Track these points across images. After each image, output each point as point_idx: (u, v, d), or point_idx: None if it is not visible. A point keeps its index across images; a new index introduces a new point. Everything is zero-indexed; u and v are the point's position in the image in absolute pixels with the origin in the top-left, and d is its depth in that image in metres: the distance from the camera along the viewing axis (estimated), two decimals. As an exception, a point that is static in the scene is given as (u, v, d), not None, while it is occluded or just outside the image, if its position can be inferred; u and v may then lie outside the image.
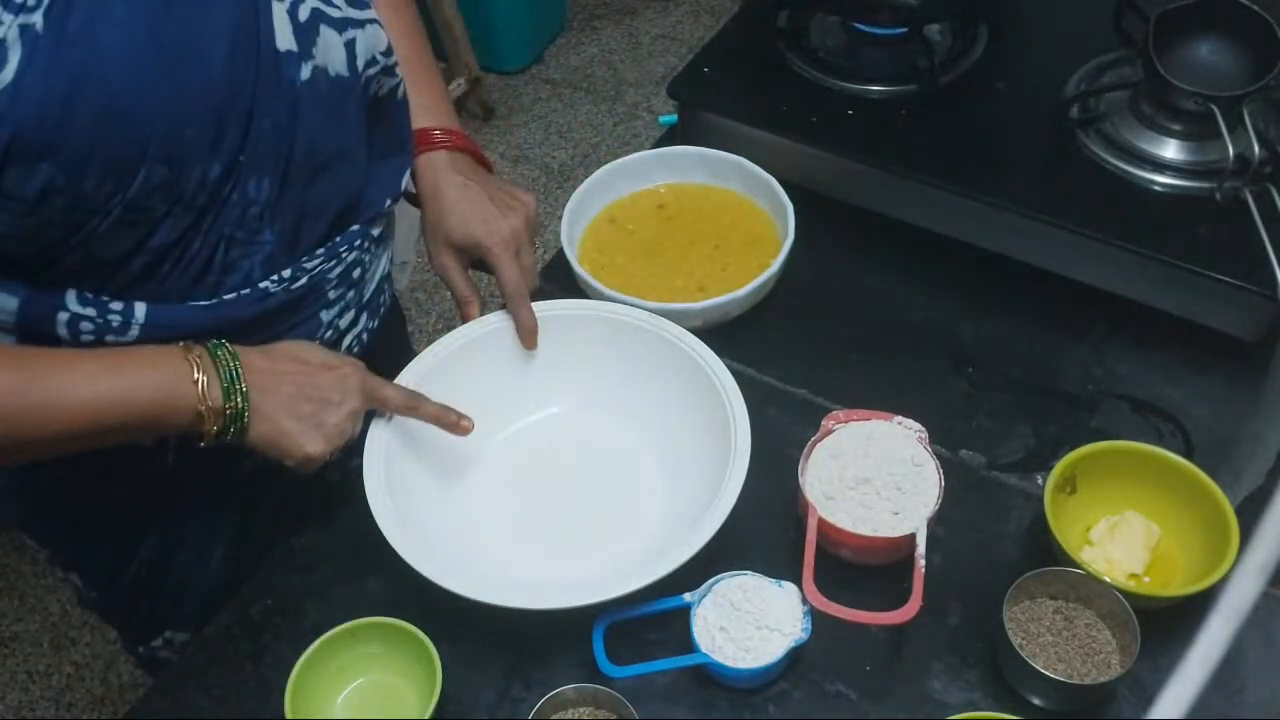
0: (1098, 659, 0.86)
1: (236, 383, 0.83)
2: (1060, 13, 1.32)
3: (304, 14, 0.85)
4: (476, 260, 1.03)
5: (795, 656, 0.89)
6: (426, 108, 1.04)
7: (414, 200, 1.05)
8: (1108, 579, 0.87)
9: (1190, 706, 0.36)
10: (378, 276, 1.04)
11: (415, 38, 1.06)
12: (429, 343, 1.03)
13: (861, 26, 1.26)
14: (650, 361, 1.02)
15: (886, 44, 1.26)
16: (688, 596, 0.90)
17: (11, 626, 2.02)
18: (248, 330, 0.90)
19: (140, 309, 0.84)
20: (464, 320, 1.04)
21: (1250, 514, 0.91)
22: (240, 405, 0.83)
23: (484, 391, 1.01)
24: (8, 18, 0.68)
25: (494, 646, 0.93)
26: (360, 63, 0.90)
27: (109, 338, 0.84)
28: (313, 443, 0.86)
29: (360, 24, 0.89)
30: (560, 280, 1.13)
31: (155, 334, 0.85)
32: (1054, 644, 0.87)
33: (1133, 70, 1.19)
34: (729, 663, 0.86)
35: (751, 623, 0.88)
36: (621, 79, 2.95)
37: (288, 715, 0.85)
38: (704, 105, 1.25)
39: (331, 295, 0.97)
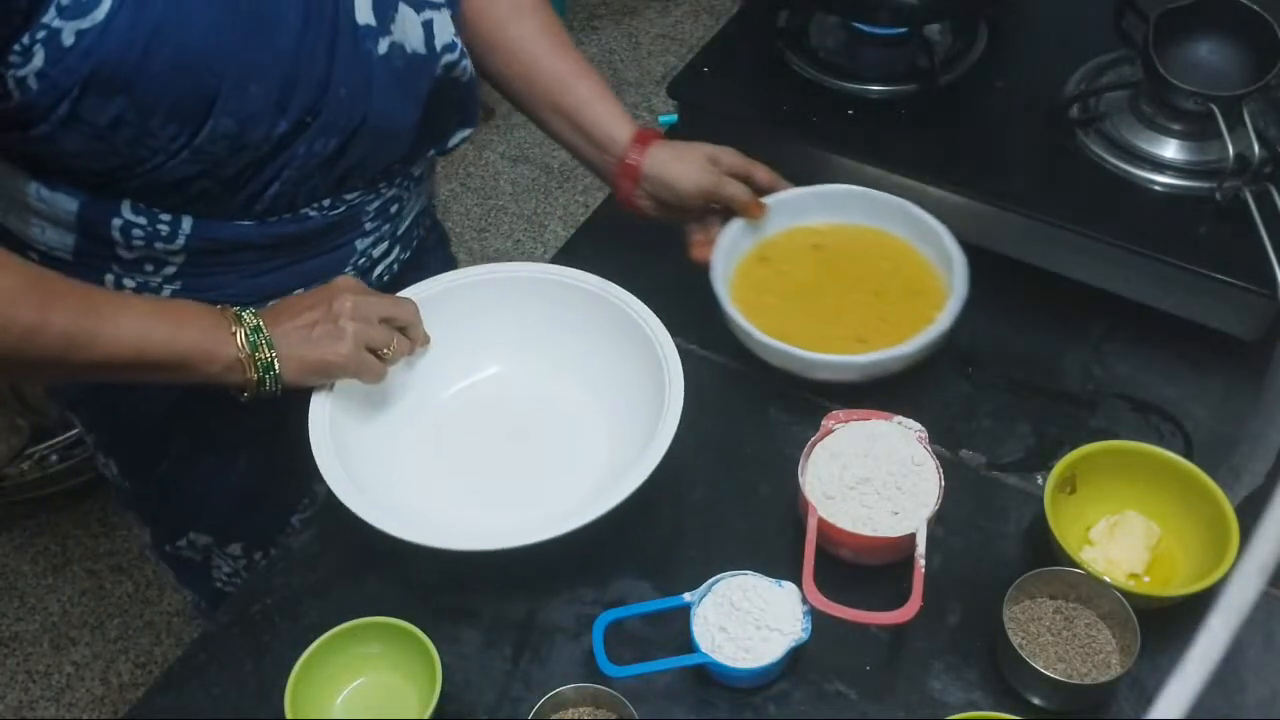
0: (1098, 659, 0.86)
1: (261, 332, 0.89)
2: (1060, 13, 1.32)
3: None
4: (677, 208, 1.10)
5: (795, 656, 0.89)
6: (623, 115, 1.11)
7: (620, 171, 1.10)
8: (1108, 579, 0.87)
9: (1190, 706, 0.36)
10: (414, 212, 1.09)
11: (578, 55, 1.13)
12: None
13: (861, 26, 1.25)
14: (592, 322, 1.04)
15: (886, 44, 1.26)
16: (688, 596, 0.90)
17: (11, 626, 2.02)
18: (286, 247, 0.98)
19: (187, 222, 0.92)
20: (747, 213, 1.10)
21: (1250, 514, 0.91)
22: (269, 356, 0.89)
23: (428, 352, 1.04)
24: None
25: (494, 646, 0.93)
26: (439, 44, 0.95)
27: (157, 244, 0.92)
28: (334, 346, 0.91)
29: (436, 6, 0.95)
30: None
31: (200, 244, 0.94)
32: (1054, 644, 0.87)
33: (1133, 70, 1.19)
34: (729, 662, 0.86)
35: (751, 622, 0.88)
36: (621, 79, 2.95)
37: (288, 715, 0.85)
38: (704, 105, 1.25)
39: (368, 226, 1.03)
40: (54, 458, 2.04)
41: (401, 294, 1.03)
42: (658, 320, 1.01)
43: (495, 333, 1.07)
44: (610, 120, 1.09)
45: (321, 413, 0.96)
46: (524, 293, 1.07)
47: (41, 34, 0.76)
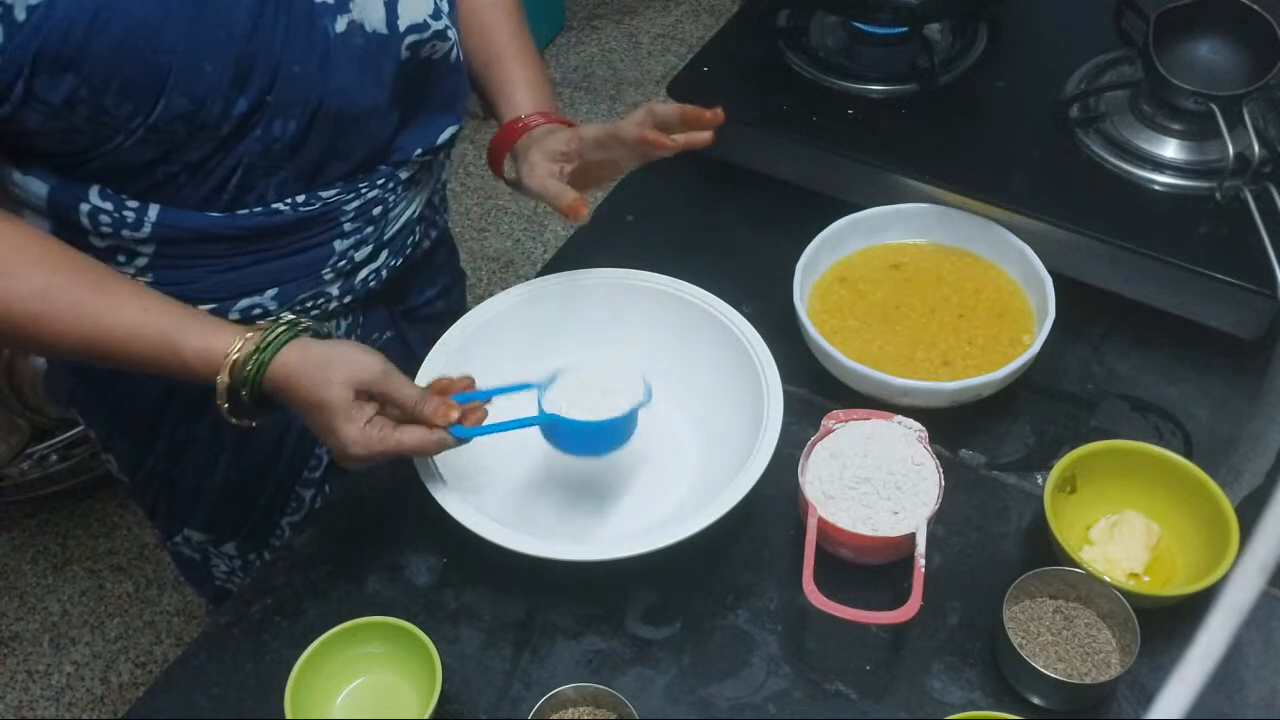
0: (1098, 659, 0.86)
1: (267, 352, 0.84)
2: (1060, 12, 1.32)
3: None
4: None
5: (794, 654, 0.89)
6: (529, 92, 1.06)
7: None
8: (1108, 578, 0.87)
9: (1190, 706, 0.36)
10: (404, 218, 1.06)
11: (516, 16, 1.10)
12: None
13: (861, 26, 1.26)
14: (687, 331, 1.03)
15: (886, 44, 1.26)
16: (535, 381, 0.93)
17: (11, 626, 2.02)
18: (255, 241, 0.96)
19: (154, 210, 0.91)
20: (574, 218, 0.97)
21: (1250, 514, 0.91)
22: (250, 380, 0.84)
23: (513, 362, 1.02)
24: None
25: (494, 646, 0.93)
26: (402, 24, 0.93)
27: (124, 232, 0.91)
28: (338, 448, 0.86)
29: None
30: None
31: (167, 233, 0.92)
32: (1054, 644, 0.87)
33: (1133, 70, 1.19)
34: (575, 418, 0.90)
35: (597, 391, 0.91)
36: (621, 79, 2.95)
37: (288, 715, 0.85)
38: (704, 105, 1.24)
39: (347, 227, 1.00)
40: (54, 458, 2.05)
41: (487, 304, 1.02)
42: (761, 342, 0.99)
43: (595, 337, 1.06)
44: (519, 105, 1.05)
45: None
46: (631, 300, 1.05)
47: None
